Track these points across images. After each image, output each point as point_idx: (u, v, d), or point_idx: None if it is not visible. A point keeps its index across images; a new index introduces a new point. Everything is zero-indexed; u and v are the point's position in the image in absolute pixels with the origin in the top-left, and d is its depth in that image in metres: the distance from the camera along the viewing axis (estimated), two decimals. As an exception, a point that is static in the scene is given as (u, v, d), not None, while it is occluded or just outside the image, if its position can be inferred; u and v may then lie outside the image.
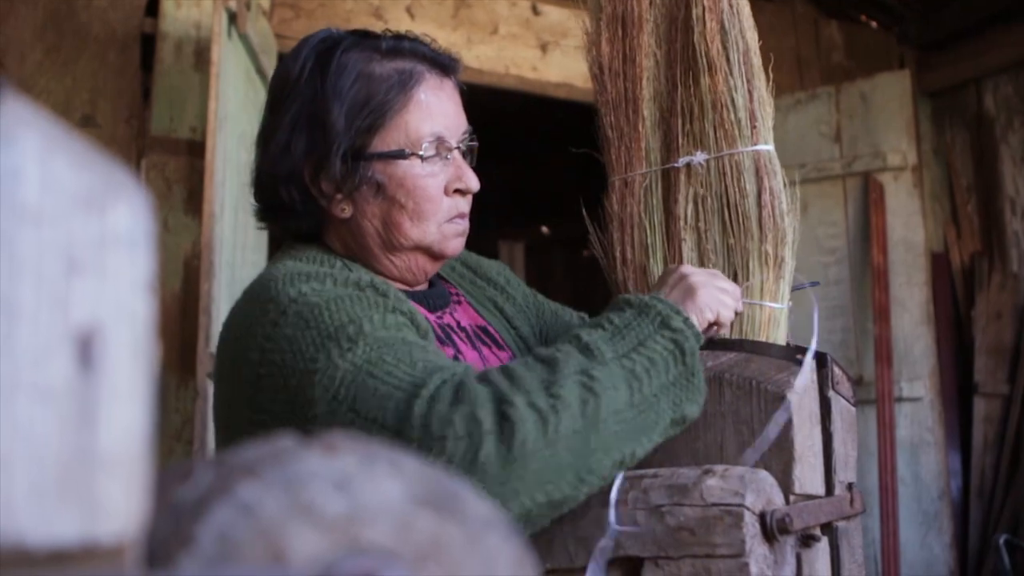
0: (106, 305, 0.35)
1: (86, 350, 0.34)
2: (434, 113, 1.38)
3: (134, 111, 3.24)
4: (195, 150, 3.15)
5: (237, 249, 3.02)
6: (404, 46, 1.40)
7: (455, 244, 1.42)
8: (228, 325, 1.32)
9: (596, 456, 1.10)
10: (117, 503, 0.34)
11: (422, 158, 1.35)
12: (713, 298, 1.31)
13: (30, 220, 0.34)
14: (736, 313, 1.37)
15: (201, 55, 3.25)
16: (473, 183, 1.41)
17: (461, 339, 1.44)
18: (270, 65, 3.39)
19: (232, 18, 2.94)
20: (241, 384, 1.24)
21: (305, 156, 1.35)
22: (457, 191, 1.40)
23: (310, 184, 1.36)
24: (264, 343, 1.20)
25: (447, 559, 0.38)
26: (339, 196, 1.36)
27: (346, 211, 1.37)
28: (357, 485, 0.37)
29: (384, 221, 1.37)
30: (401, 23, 3.74)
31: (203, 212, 2.76)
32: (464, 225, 1.43)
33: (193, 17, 3.30)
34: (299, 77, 1.37)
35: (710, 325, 1.32)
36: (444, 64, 1.42)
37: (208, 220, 2.73)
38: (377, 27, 4.02)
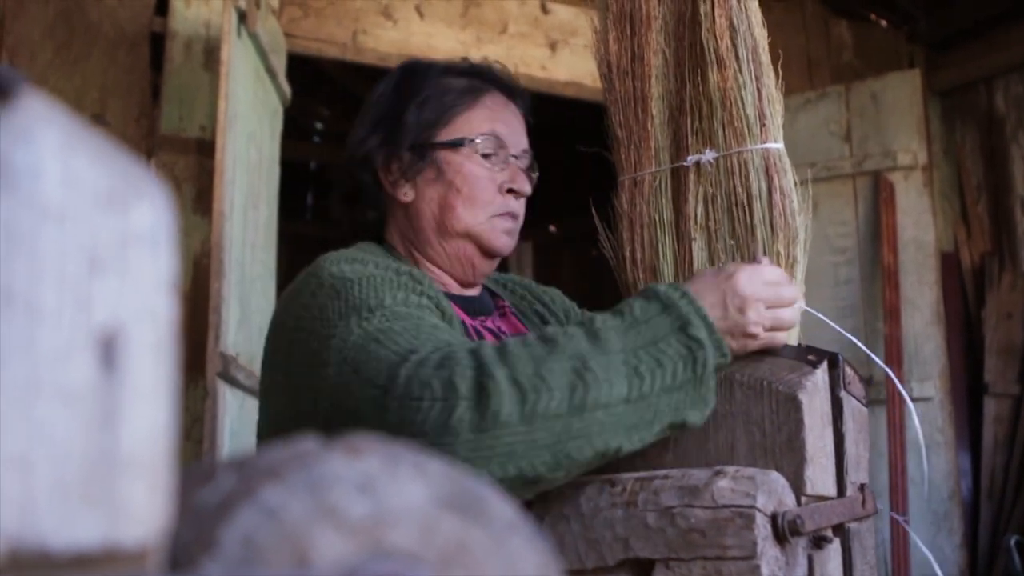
0: (128, 305, 0.35)
1: (108, 351, 0.34)
2: (496, 117, 1.54)
3: (144, 110, 3.25)
4: (204, 149, 3.15)
5: (247, 248, 3.02)
6: (478, 68, 1.60)
7: (503, 241, 1.52)
8: (277, 308, 1.45)
9: (576, 443, 1.11)
10: (140, 506, 0.34)
11: (480, 152, 1.50)
12: (761, 334, 1.27)
13: (52, 219, 0.34)
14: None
15: (211, 54, 3.25)
16: (526, 186, 1.53)
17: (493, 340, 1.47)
18: (279, 64, 3.40)
19: (242, 17, 2.94)
20: (279, 353, 1.36)
21: (380, 146, 1.52)
22: (510, 191, 1.52)
23: (380, 170, 1.52)
24: (300, 311, 1.32)
25: (471, 562, 0.38)
26: (403, 181, 1.51)
27: (408, 195, 1.51)
28: (381, 487, 0.37)
29: (440, 204, 1.49)
30: (410, 22, 3.74)
31: (213, 211, 2.76)
32: (514, 225, 1.54)
33: (203, 16, 3.31)
34: (384, 89, 1.57)
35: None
36: (511, 88, 1.60)
37: (218, 219, 2.74)
38: (386, 27, 4.03)
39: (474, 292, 1.59)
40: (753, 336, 1.27)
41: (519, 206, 1.55)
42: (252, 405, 3.00)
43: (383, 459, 0.38)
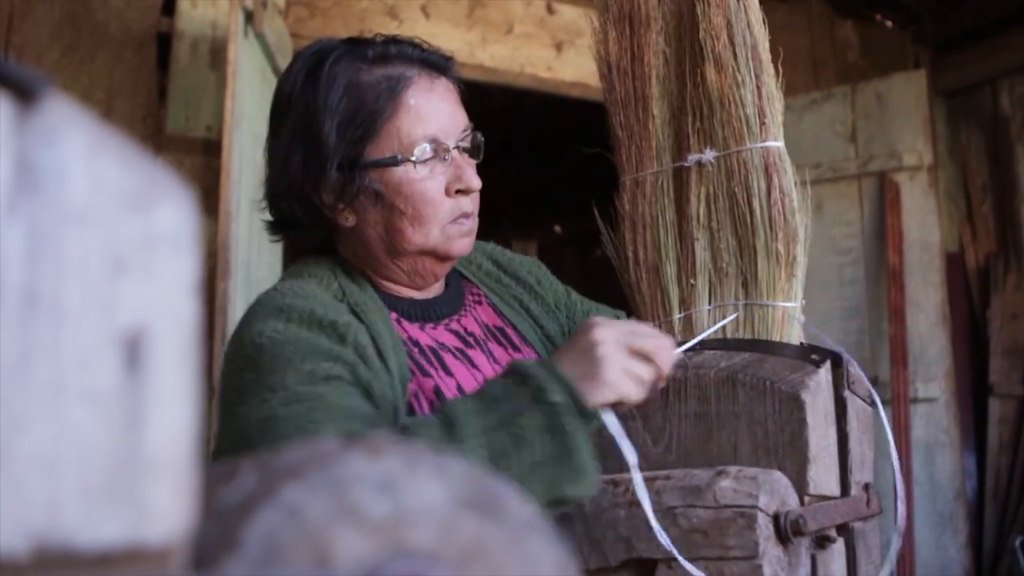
0: (152, 307, 0.35)
1: (133, 352, 0.34)
2: (425, 116, 1.35)
3: (150, 110, 3.26)
4: (211, 149, 3.15)
5: (253, 248, 3.03)
6: (391, 51, 1.38)
7: (461, 244, 1.39)
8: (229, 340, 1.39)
9: None
10: (164, 505, 0.34)
11: (415, 163, 1.34)
12: (617, 376, 1.16)
13: (76, 220, 0.34)
14: (658, 379, 1.20)
15: (217, 54, 3.25)
16: (474, 182, 1.38)
17: (455, 355, 1.39)
18: (286, 64, 3.40)
19: (248, 17, 2.95)
20: (220, 394, 1.33)
21: (303, 170, 1.35)
22: (459, 191, 1.38)
23: (312, 196, 1.36)
24: (224, 377, 1.30)
25: (490, 561, 0.38)
26: (341, 206, 1.36)
27: (350, 220, 1.37)
28: (401, 487, 0.37)
29: (386, 228, 1.36)
30: (416, 23, 3.74)
31: (219, 211, 2.76)
32: (469, 224, 1.40)
33: (209, 16, 3.31)
34: (291, 92, 1.38)
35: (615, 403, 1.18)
36: (435, 64, 1.40)
37: (224, 219, 2.74)
38: (392, 27, 4.03)
39: (437, 291, 1.47)
40: (607, 382, 1.15)
41: (471, 202, 1.40)
42: (258, 405, 3.00)
43: (403, 459, 0.39)
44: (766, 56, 1.45)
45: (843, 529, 1.30)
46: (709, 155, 1.44)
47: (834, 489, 1.30)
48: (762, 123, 1.42)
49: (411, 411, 1.28)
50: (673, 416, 1.31)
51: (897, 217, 4.12)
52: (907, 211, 4.16)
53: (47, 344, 0.33)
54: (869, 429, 1.47)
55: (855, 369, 1.38)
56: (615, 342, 1.17)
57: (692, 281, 1.44)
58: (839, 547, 1.28)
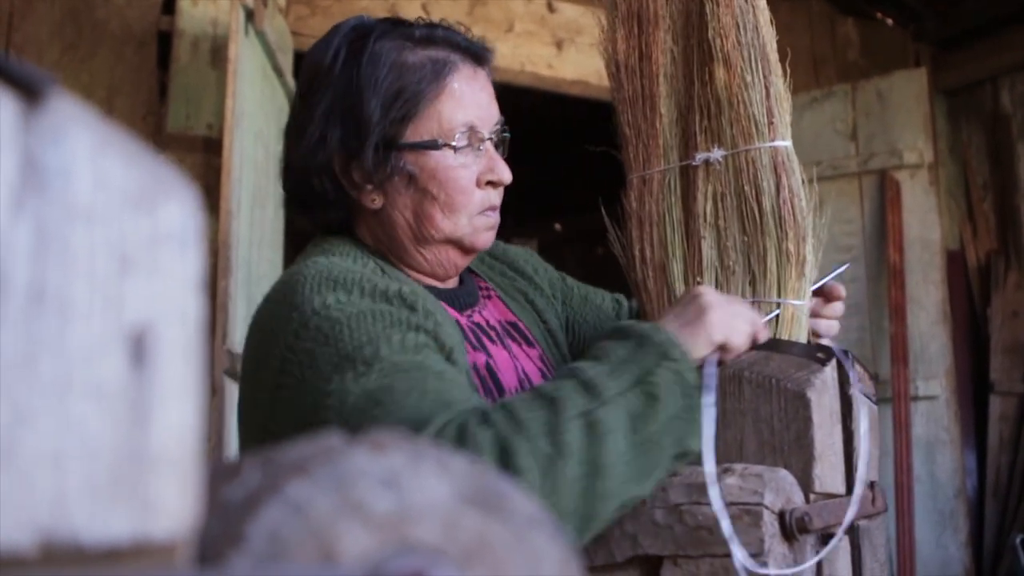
0: (158, 304, 0.35)
1: (139, 348, 0.34)
2: (467, 103, 1.35)
3: (151, 108, 3.26)
4: (211, 147, 3.16)
5: (253, 246, 3.03)
6: (438, 34, 1.37)
7: (486, 237, 1.40)
8: (254, 325, 1.31)
9: (601, 503, 1.06)
10: (169, 501, 0.35)
11: (455, 149, 1.33)
12: (724, 321, 1.24)
13: (82, 218, 0.34)
14: (754, 341, 1.30)
15: (217, 52, 3.25)
16: (506, 175, 1.38)
17: (491, 340, 1.41)
18: (286, 62, 3.40)
19: (249, 15, 2.95)
20: (261, 388, 1.24)
21: (339, 147, 1.33)
22: (489, 183, 1.38)
23: (341, 175, 1.34)
24: (285, 353, 1.19)
25: (493, 558, 0.38)
26: (370, 187, 1.34)
27: (376, 202, 1.36)
28: (405, 483, 0.38)
29: (415, 213, 1.35)
30: (416, 20, 3.74)
31: (220, 209, 2.76)
32: (495, 218, 1.41)
33: (210, 14, 3.31)
34: (331, 66, 1.35)
35: (719, 349, 1.25)
36: (477, 53, 1.40)
37: (225, 217, 2.74)
38: (393, 24, 3.99)
39: (453, 285, 1.46)
40: (713, 324, 1.23)
41: (498, 196, 1.41)
42: (259, 403, 3.00)
43: (407, 455, 0.39)
44: (774, 56, 1.45)
45: (848, 527, 1.30)
46: (717, 154, 1.44)
47: (840, 487, 1.30)
48: (770, 122, 1.42)
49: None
50: (678, 413, 1.31)
51: (898, 215, 4.12)
52: (908, 209, 4.16)
53: (53, 341, 0.33)
54: (874, 427, 1.47)
55: (860, 367, 1.38)
56: (717, 296, 1.26)
57: (699, 279, 1.44)
58: (844, 545, 1.28)
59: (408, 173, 1.33)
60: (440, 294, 1.39)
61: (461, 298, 1.44)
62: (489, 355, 1.37)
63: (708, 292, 1.27)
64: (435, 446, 1.05)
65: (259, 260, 3.09)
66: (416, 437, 1.04)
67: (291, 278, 1.26)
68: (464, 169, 1.34)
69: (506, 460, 1.02)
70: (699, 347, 1.22)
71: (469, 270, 1.53)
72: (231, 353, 2.75)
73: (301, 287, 1.22)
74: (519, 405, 1.09)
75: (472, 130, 1.35)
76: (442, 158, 1.33)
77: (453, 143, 1.33)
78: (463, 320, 1.40)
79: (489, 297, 1.52)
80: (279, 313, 1.23)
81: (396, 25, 1.39)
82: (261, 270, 3.12)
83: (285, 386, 1.18)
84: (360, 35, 1.36)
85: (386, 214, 1.36)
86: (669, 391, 1.13)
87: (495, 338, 1.43)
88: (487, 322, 1.45)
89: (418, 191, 1.34)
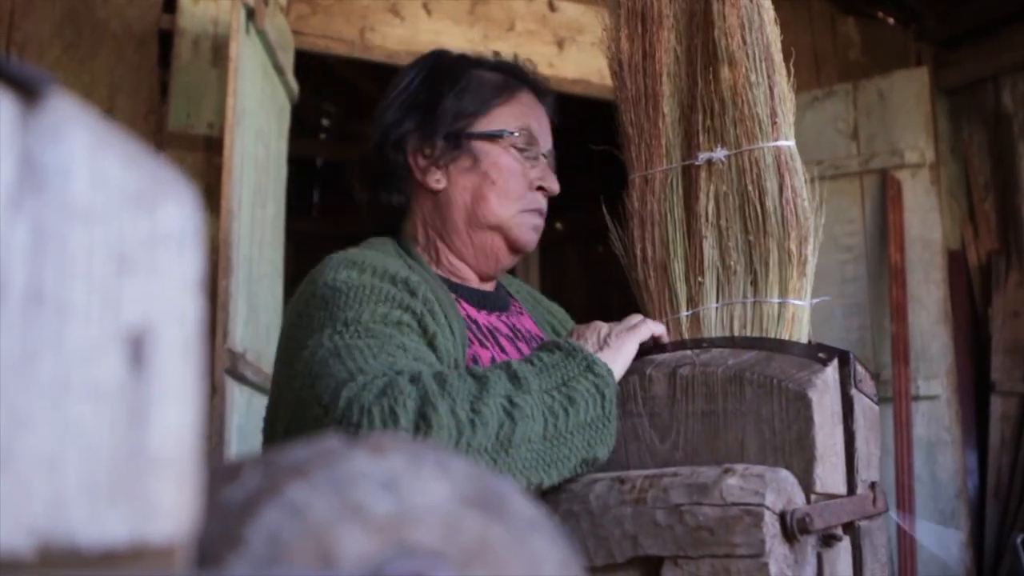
0: (156, 304, 0.35)
1: (137, 349, 0.34)
2: (529, 115, 1.56)
3: (152, 107, 3.26)
4: (212, 146, 3.16)
5: (254, 245, 3.03)
6: (509, 64, 1.62)
7: (529, 235, 1.55)
8: (288, 304, 1.46)
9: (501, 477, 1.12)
10: (168, 503, 0.34)
11: (516, 147, 1.52)
12: (630, 355, 1.37)
13: (80, 218, 0.34)
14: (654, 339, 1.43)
15: (218, 51, 3.25)
16: (555, 186, 1.56)
17: (509, 341, 1.50)
18: (287, 61, 3.40)
19: (250, 14, 2.95)
20: (280, 356, 1.39)
21: (415, 128, 1.52)
22: (540, 188, 1.54)
23: (412, 155, 1.52)
24: (294, 317, 1.36)
25: (493, 560, 0.38)
26: (434, 168, 1.52)
27: (440, 182, 1.52)
28: (405, 485, 0.37)
29: (474, 194, 1.51)
30: (418, 19, 3.74)
31: (221, 208, 2.76)
32: (540, 222, 1.56)
33: (210, 13, 3.31)
34: (415, 77, 1.57)
35: None
36: (540, 88, 1.63)
37: (226, 216, 2.74)
38: (394, 22, 4.01)
39: (490, 287, 1.60)
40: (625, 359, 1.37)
41: (545, 204, 1.57)
42: (259, 402, 3.01)
43: (407, 457, 0.39)
44: (778, 55, 1.45)
45: (849, 527, 1.30)
46: (720, 153, 1.44)
47: (841, 487, 1.30)
48: (774, 122, 1.42)
49: None
50: (680, 414, 1.31)
51: (899, 214, 4.11)
52: (909, 208, 4.16)
53: (51, 342, 0.33)
54: (876, 428, 1.47)
55: (862, 368, 1.38)
56: (619, 333, 1.39)
57: (700, 279, 1.44)
58: (845, 545, 1.28)
59: (473, 156, 1.51)
60: (466, 292, 1.53)
61: (489, 300, 1.57)
62: (503, 351, 1.47)
63: (606, 328, 1.41)
64: (353, 397, 1.12)
65: (260, 259, 3.09)
66: (344, 387, 1.13)
67: (322, 262, 1.41)
68: (520, 166, 1.53)
69: (425, 415, 1.10)
70: (617, 369, 1.34)
71: (508, 292, 1.68)
72: (232, 352, 2.75)
73: (324, 267, 1.38)
74: (450, 376, 1.19)
75: (531, 136, 1.54)
76: (504, 150, 1.52)
77: (515, 134, 1.52)
78: (480, 317, 1.51)
79: (522, 313, 1.65)
80: (301, 290, 1.39)
81: (477, 57, 1.64)
82: (262, 269, 3.11)
83: (287, 347, 1.34)
84: (440, 56, 1.61)
85: (446, 195, 1.53)
86: (586, 399, 1.24)
87: (514, 340, 1.53)
88: (514, 326, 1.57)
89: (479, 175, 1.51)
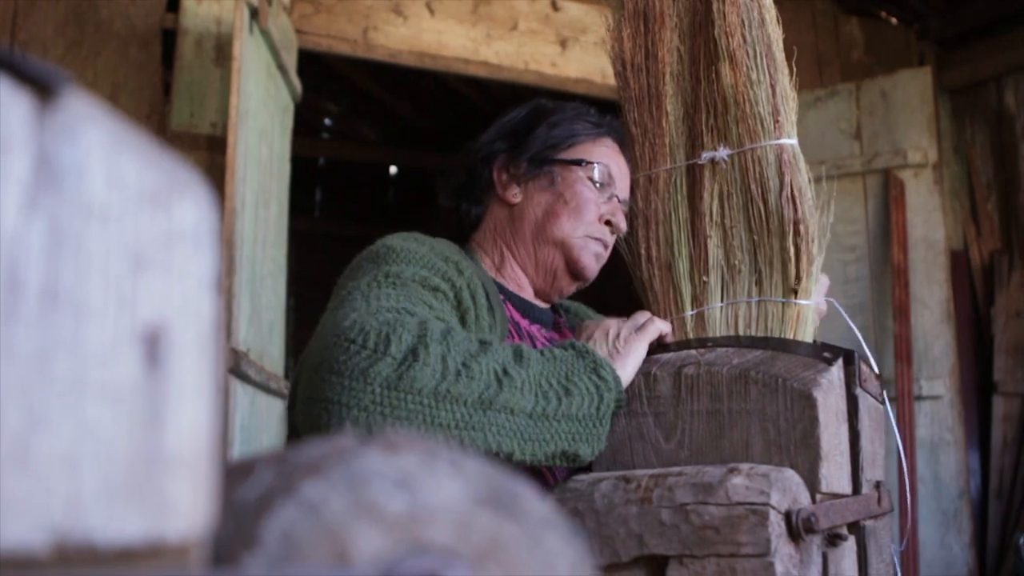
0: (172, 303, 0.35)
1: (153, 349, 0.34)
2: (611, 159, 1.65)
3: (155, 106, 3.26)
4: (215, 145, 3.16)
5: (258, 245, 3.03)
6: (604, 119, 1.70)
7: (589, 260, 1.62)
8: None
9: (471, 434, 1.16)
10: (184, 502, 0.34)
11: (592, 180, 1.62)
12: (640, 359, 1.39)
13: (96, 217, 0.34)
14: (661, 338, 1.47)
15: (221, 51, 3.25)
16: (623, 223, 1.62)
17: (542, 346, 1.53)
18: (291, 60, 3.40)
19: (253, 13, 2.95)
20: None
21: (505, 149, 1.65)
22: (608, 223, 1.62)
23: (497, 170, 1.65)
24: (347, 271, 1.43)
25: (507, 559, 0.38)
26: (515, 184, 1.64)
27: (517, 197, 1.63)
28: (419, 484, 0.37)
29: (546, 210, 1.61)
30: (421, 19, 3.74)
31: (224, 208, 2.76)
32: (603, 252, 1.64)
33: (214, 13, 3.31)
34: (517, 113, 1.71)
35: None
36: (622, 139, 1.66)
37: (229, 216, 2.74)
38: (396, 22, 4.01)
39: (541, 304, 1.67)
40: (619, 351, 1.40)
41: (611, 240, 1.64)
42: (262, 401, 3.01)
43: (421, 456, 0.39)
44: (780, 54, 1.45)
45: (854, 527, 1.30)
46: (723, 152, 1.44)
47: (846, 487, 1.30)
48: (776, 121, 1.41)
49: None
50: (685, 413, 1.31)
51: (902, 214, 4.11)
52: (912, 208, 4.16)
53: (67, 341, 0.33)
54: (880, 427, 1.47)
55: (867, 367, 1.38)
56: (630, 337, 1.42)
57: (704, 278, 1.44)
58: (850, 545, 1.28)
59: (552, 176, 1.62)
60: (515, 299, 1.61)
61: (534, 311, 1.65)
62: None
63: (623, 333, 1.43)
64: (358, 320, 1.15)
65: (263, 258, 3.09)
66: (358, 315, 1.17)
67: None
68: (594, 195, 1.62)
69: (416, 351, 1.13)
70: (626, 375, 1.36)
71: (558, 314, 1.74)
72: (235, 352, 2.75)
73: (384, 238, 1.46)
74: (458, 332, 1.23)
75: (609, 176, 1.64)
76: (581, 178, 1.62)
77: (593, 173, 1.62)
78: (523, 322, 1.59)
79: (559, 331, 1.70)
80: (362, 253, 1.47)
81: (577, 106, 1.73)
82: (265, 268, 3.11)
83: (334, 296, 1.37)
84: (547, 101, 1.73)
85: (520, 208, 1.63)
86: (583, 395, 1.26)
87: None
88: (552, 339, 1.62)
89: (554, 194, 1.61)
